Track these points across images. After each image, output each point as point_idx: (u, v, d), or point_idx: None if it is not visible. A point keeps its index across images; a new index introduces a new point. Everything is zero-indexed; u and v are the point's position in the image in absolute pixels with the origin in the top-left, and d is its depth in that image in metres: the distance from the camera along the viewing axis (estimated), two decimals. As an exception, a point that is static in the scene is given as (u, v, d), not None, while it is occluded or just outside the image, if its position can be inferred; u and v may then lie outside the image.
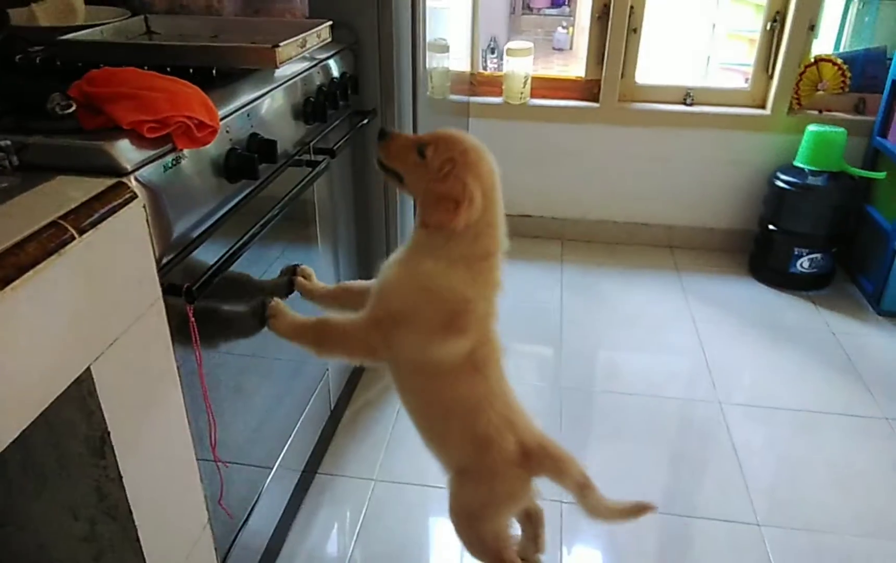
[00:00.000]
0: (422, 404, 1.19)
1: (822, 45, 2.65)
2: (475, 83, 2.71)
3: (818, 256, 2.44)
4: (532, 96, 2.68)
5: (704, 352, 2.17)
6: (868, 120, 2.49)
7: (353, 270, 1.83)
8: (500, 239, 1.13)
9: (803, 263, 2.46)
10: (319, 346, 1.19)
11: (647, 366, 2.11)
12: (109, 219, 0.76)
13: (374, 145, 1.18)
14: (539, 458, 1.14)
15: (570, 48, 5.60)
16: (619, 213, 2.81)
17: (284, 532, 1.52)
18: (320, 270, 1.54)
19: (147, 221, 0.84)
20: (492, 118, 2.69)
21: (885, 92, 2.40)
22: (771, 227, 2.50)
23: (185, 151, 0.94)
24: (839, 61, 2.44)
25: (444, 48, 2.17)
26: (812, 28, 2.42)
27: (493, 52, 4.64)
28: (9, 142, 0.81)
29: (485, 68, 3.92)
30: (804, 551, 1.50)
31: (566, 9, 6.41)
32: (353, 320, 1.16)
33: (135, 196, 0.81)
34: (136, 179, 0.84)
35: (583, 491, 1.15)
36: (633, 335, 2.28)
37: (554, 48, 5.82)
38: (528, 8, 6.48)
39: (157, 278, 0.87)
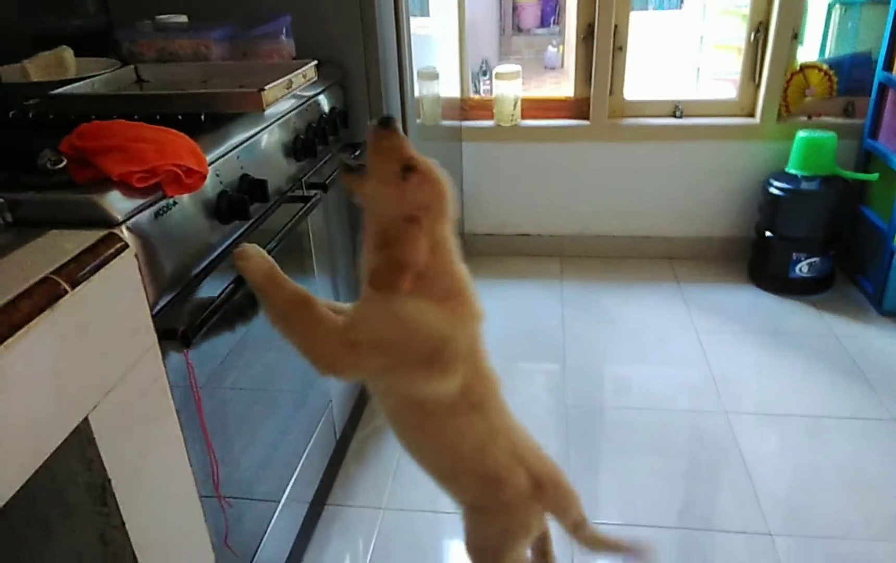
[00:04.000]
0: (422, 445, 1.15)
1: (808, 51, 2.67)
2: (466, 108, 2.74)
3: (816, 259, 2.44)
4: (523, 117, 2.71)
5: (709, 362, 2.16)
6: (858, 123, 2.51)
7: (351, 295, 1.84)
8: (464, 274, 1.07)
9: (802, 268, 2.46)
10: (285, 319, 1.06)
11: (652, 379, 2.11)
12: (101, 270, 0.77)
13: (366, 126, 1.07)
14: (552, 493, 1.12)
15: (562, 66, 5.66)
16: (616, 227, 2.82)
17: (295, 567, 1.51)
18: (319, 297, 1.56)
19: (139, 269, 0.85)
20: (484, 141, 2.71)
21: (873, 94, 2.41)
22: (768, 233, 2.50)
23: (177, 198, 0.95)
24: (825, 67, 2.46)
25: (434, 76, 2.20)
26: (795, 36, 2.45)
27: (485, 75, 4.69)
28: (2, 200, 0.83)
29: (477, 92, 3.98)
30: (817, 559, 1.48)
31: (556, 28, 6.49)
32: (333, 325, 1.05)
33: (126, 246, 0.82)
34: (127, 229, 0.85)
35: (577, 528, 1.14)
36: (637, 349, 2.28)
37: (545, 67, 5.88)
38: (517, 29, 6.56)
39: (151, 325, 0.88)
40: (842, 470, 1.72)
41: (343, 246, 1.77)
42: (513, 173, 2.76)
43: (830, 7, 2.74)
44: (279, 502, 1.40)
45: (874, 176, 2.39)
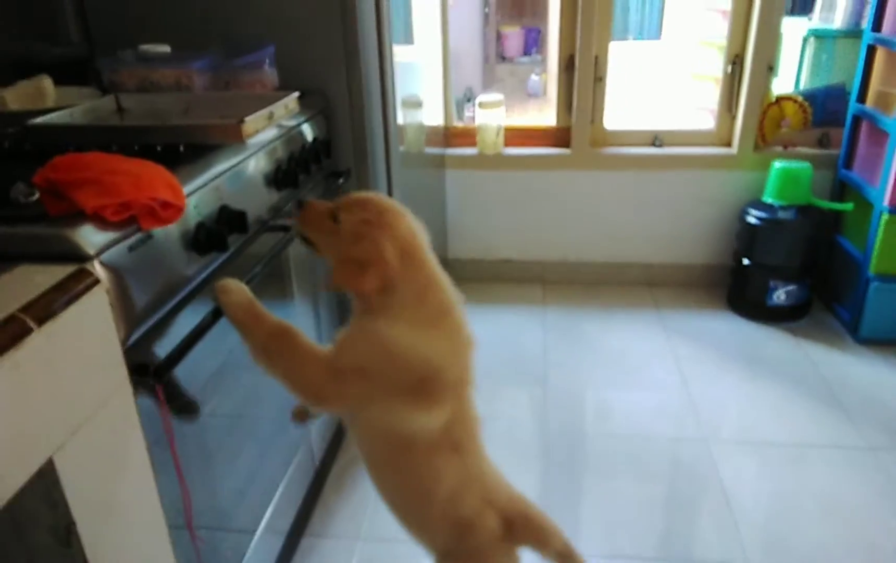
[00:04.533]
0: (397, 486, 1.11)
1: (783, 83, 2.73)
2: (450, 136, 2.76)
3: (794, 287, 2.47)
4: (506, 145, 2.73)
5: (688, 389, 2.17)
6: (833, 153, 2.56)
7: (334, 322, 1.83)
8: (451, 294, 1.05)
9: (780, 296, 2.49)
10: (268, 353, 1.03)
11: (632, 406, 2.11)
12: (71, 307, 0.76)
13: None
14: (522, 529, 1.08)
15: (544, 94, 5.72)
16: (597, 254, 2.84)
17: (271, 602, 1.48)
18: (299, 324, 1.55)
19: (110, 304, 0.84)
20: (468, 169, 2.73)
21: (847, 126, 2.47)
22: (745, 261, 2.53)
23: (152, 231, 0.95)
24: (800, 99, 2.51)
25: (418, 104, 2.22)
26: (771, 69, 2.50)
27: (469, 102, 4.72)
28: (-28, 233, 0.82)
29: (461, 119, 4.00)
30: (795, 590, 1.48)
31: (538, 56, 6.57)
32: (316, 354, 1.03)
33: (97, 281, 0.81)
34: (99, 263, 0.84)
35: (564, 559, 1.09)
36: (617, 376, 2.28)
37: (528, 94, 5.94)
38: (501, 57, 6.64)
39: (122, 361, 0.87)
40: (820, 499, 1.72)
41: (325, 271, 1.76)
42: (496, 200, 2.77)
43: (805, 40, 2.82)
44: (255, 533, 1.38)
45: (849, 206, 2.44)
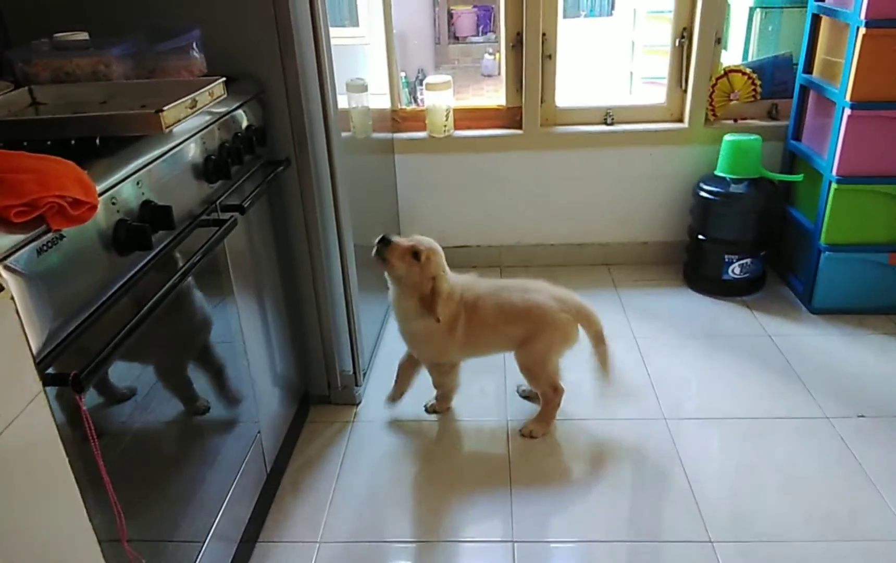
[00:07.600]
0: None
1: (732, 55, 2.74)
2: (398, 120, 2.69)
3: (748, 261, 2.49)
4: (456, 128, 2.68)
5: (647, 368, 2.17)
6: (782, 125, 2.58)
7: (281, 314, 1.77)
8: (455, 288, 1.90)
9: (735, 270, 2.50)
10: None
11: (592, 388, 2.09)
12: (-33, 319, 0.69)
13: (371, 245, 1.75)
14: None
15: (499, 73, 5.67)
16: (553, 235, 2.82)
17: (223, 612, 1.43)
18: (244, 320, 1.51)
19: (17, 312, 0.77)
20: (418, 153, 2.67)
21: (795, 96, 2.48)
22: (700, 236, 2.54)
23: (64, 231, 0.87)
24: (748, 71, 2.52)
25: (363, 88, 2.14)
26: (719, 41, 2.50)
27: (421, 84, 4.65)
28: None
29: (414, 101, 3.93)
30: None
31: (492, 35, 6.49)
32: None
33: (0, 288, 0.74)
34: (4, 268, 0.77)
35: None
36: (576, 358, 2.25)
37: (483, 74, 5.89)
38: (454, 37, 6.54)
39: (34, 372, 0.80)
40: (778, 471, 1.73)
41: (268, 264, 1.70)
42: (448, 185, 2.72)
43: (752, 11, 2.82)
44: (203, 542, 1.32)
45: (799, 177, 2.46)
